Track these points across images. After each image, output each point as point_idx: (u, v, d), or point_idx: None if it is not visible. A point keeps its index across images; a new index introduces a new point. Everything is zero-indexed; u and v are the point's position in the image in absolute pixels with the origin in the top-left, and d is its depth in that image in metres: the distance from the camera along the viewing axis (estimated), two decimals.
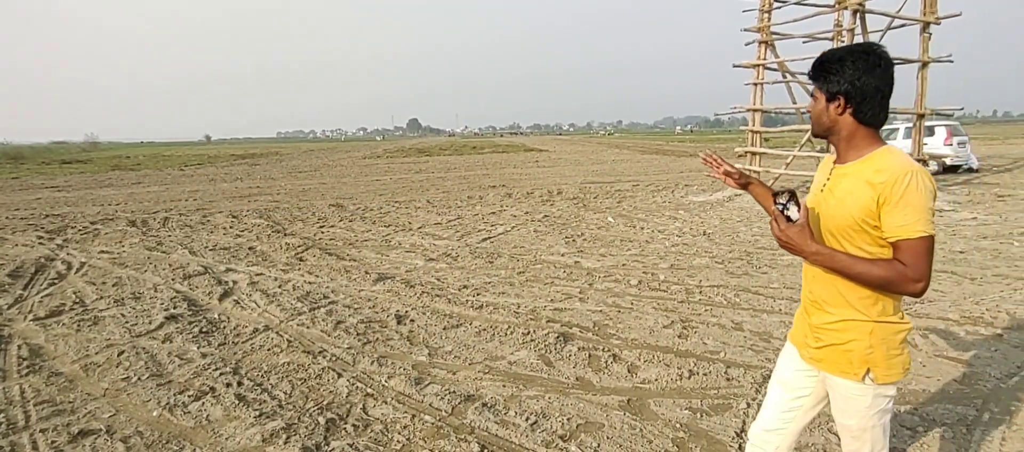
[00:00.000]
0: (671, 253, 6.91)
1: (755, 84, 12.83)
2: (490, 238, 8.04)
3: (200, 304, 5.18)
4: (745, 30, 12.77)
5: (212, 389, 3.47)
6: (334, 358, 3.92)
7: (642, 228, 8.57)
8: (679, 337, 4.19)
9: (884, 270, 1.46)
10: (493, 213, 10.41)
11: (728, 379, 3.50)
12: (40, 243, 8.19)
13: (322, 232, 8.84)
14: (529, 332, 4.28)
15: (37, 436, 2.97)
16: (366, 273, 6.18)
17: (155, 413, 3.20)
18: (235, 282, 5.89)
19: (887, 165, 1.48)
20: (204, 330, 4.49)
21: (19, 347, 4.18)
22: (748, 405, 3.16)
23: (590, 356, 3.86)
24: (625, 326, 4.41)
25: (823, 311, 1.64)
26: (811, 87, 1.64)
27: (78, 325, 4.64)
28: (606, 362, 3.76)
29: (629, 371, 3.63)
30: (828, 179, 1.63)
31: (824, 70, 1.56)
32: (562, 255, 6.89)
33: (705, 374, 3.57)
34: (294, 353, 4.00)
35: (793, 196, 1.56)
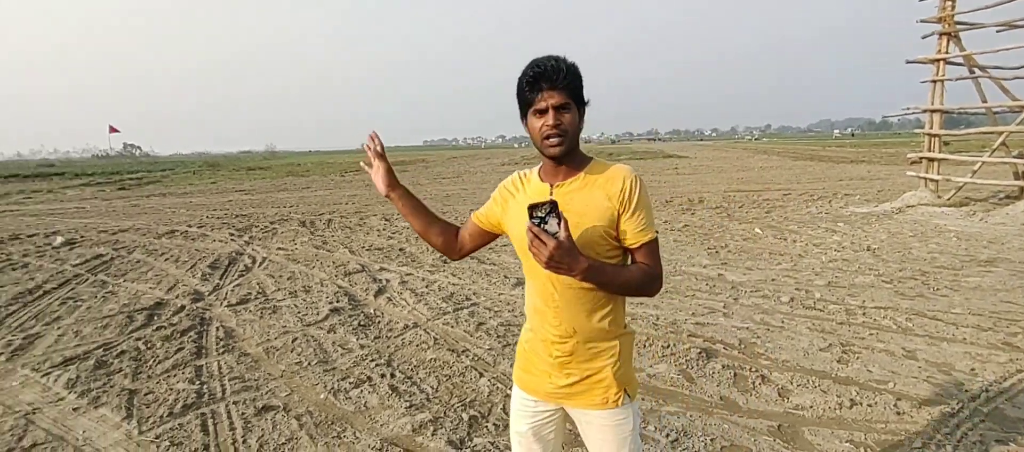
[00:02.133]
0: (828, 269, 6.34)
1: (934, 81, 11.37)
2: None
3: (358, 299, 5.69)
4: (922, 21, 11.37)
5: (369, 378, 3.79)
6: (476, 358, 4.10)
7: (794, 241, 7.95)
8: (838, 362, 3.83)
9: (640, 273, 1.46)
10: None
11: (898, 413, 3.14)
12: (232, 239, 9.49)
13: None
14: (669, 345, 4.17)
15: (231, 407, 3.45)
16: (505, 277, 6.38)
17: (322, 396, 3.57)
18: (388, 281, 6.38)
19: (615, 174, 1.48)
20: (362, 323, 4.92)
21: (217, 329, 4.89)
22: (924, 444, 2.82)
23: (735, 375, 3.67)
24: (775, 346, 4.13)
25: (572, 341, 1.52)
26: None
27: (261, 313, 5.31)
28: (753, 383, 3.55)
29: (780, 395, 3.40)
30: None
31: (577, 77, 1.45)
32: (704, 267, 6.60)
33: (870, 405, 3.23)
34: (440, 350, 4.25)
35: (554, 208, 1.35)
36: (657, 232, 1.49)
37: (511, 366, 3.90)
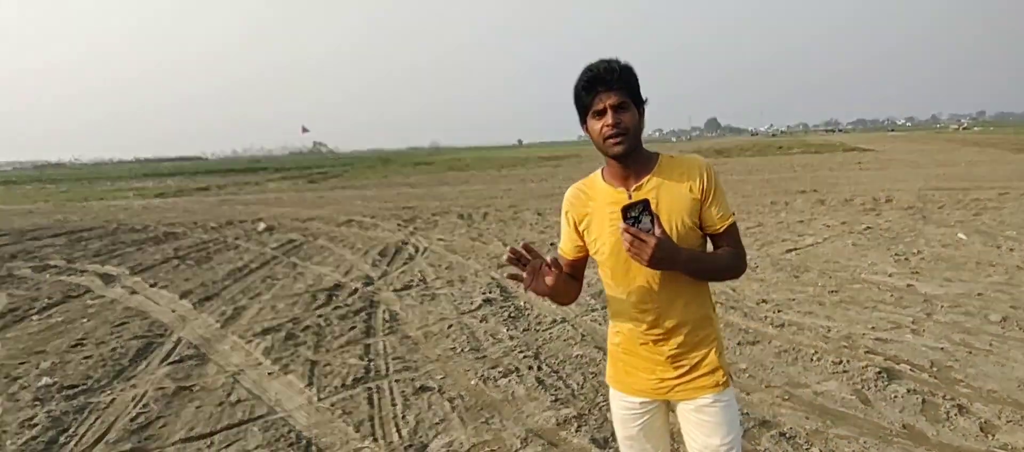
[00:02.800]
0: None
1: None
2: (796, 249, 7.26)
3: (509, 291, 5.87)
4: None
5: (517, 369, 3.90)
6: None
7: (1011, 249, 6.70)
8: None
9: (732, 257, 1.53)
10: (801, 221, 9.36)
11: None
12: (398, 229, 10.32)
13: None
14: (841, 361, 3.74)
15: (393, 385, 3.76)
16: None
17: (473, 382, 3.75)
18: None
19: (692, 166, 1.53)
20: (512, 315, 5.07)
21: (383, 311, 5.35)
22: None
23: (924, 401, 3.19)
24: (979, 372, 3.52)
25: (679, 334, 1.55)
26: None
27: (421, 299, 5.71)
28: (947, 412, 3.06)
29: (982, 430, 2.89)
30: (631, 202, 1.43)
31: (632, 77, 1.48)
32: (889, 275, 5.82)
33: None
34: (586, 347, 4.24)
35: (647, 207, 1.39)
36: (734, 214, 1.56)
37: None
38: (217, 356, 4.39)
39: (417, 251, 8.22)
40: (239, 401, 3.61)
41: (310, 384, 3.81)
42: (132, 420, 3.41)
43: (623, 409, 1.67)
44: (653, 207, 1.43)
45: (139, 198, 21.55)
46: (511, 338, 4.50)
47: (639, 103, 1.50)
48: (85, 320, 5.47)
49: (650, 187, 1.51)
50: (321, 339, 4.67)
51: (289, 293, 6.14)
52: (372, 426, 3.24)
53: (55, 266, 8.26)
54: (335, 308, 5.50)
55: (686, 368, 1.56)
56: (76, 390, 3.85)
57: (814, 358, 3.83)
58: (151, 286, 6.73)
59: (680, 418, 1.63)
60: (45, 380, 4.01)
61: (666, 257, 1.37)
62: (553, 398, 3.45)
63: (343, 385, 3.77)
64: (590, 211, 1.59)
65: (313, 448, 3.05)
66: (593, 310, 5.08)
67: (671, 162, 1.55)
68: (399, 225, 10.87)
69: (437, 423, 3.23)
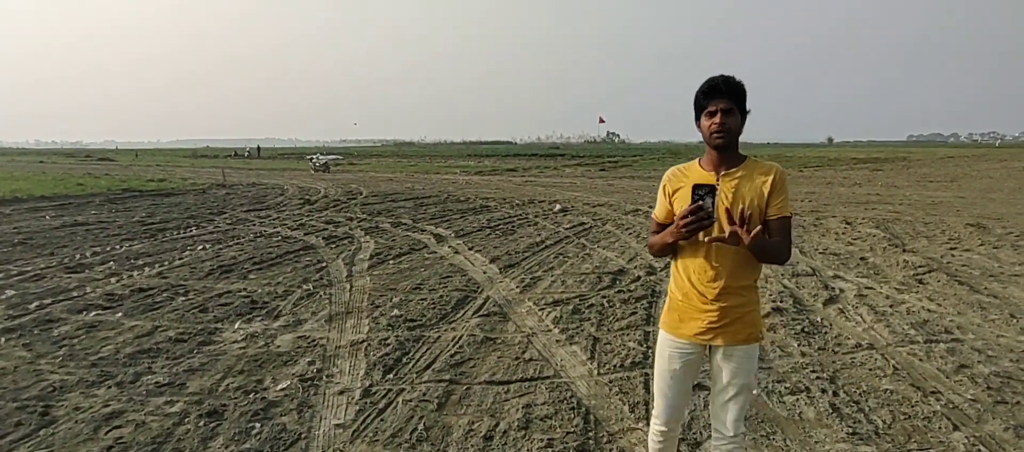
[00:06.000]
0: None
1: None
2: None
3: (804, 304, 5.34)
4: None
5: (807, 389, 3.57)
6: (951, 405, 3.35)
7: None
8: None
9: (785, 245, 1.92)
10: None
11: None
12: None
13: (952, 255, 7.51)
14: None
15: None
16: (1011, 316, 4.92)
17: (754, 392, 3.56)
18: (841, 290, 5.77)
19: (769, 167, 1.96)
20: (805, 330, 4.62)
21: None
22: None
23: None
24: None
25: (732, 291, 1.94)
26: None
27: None
28: None
29: None
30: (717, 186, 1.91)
31: (742, 90, 1.90)
32: None
33: None
34: (900, 383, 3.65)
35: (714, 191, 1.83)
36: (792, 213, 1.98)
37: (1006, 431, 3.06)
38: (515, 317, 5.02)
39: None
40: (531, 360, 4.09)
41: (592, 358, 4.10)
42: (451, 356, 4.15)
43: (673, 348, 2.09)
44: (731, 191, 1.90)
45: (463, 174, 25.45)
46: (802, 354, 4.13)
47: (743, 113, 1.92)
48: (422, 269, 6.79)
49: (739, 176, 1.93)
50: (603, 318, 4.95)
51: (578, 271, 6.63)
52: (647, 410, 3.34)
53: (405, 223, 10.40)
54: (618, 291, 5.75)
55: (731, 319, 1.95)
56: (415, 324, 4.84)
57: None
58: (469, 249, 7.97)
59: (716, 359, 2.02)
60: (395, 312, 5.13)
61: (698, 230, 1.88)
62: (850, 430, 3.08)
63: (622, 365, 3.97)
64: (682, 186, 1.99)
65: (591, 417, 3.29)
66: (912, 342, 4.33)
67: (754, 164, 1.97)
68: None
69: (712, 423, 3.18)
